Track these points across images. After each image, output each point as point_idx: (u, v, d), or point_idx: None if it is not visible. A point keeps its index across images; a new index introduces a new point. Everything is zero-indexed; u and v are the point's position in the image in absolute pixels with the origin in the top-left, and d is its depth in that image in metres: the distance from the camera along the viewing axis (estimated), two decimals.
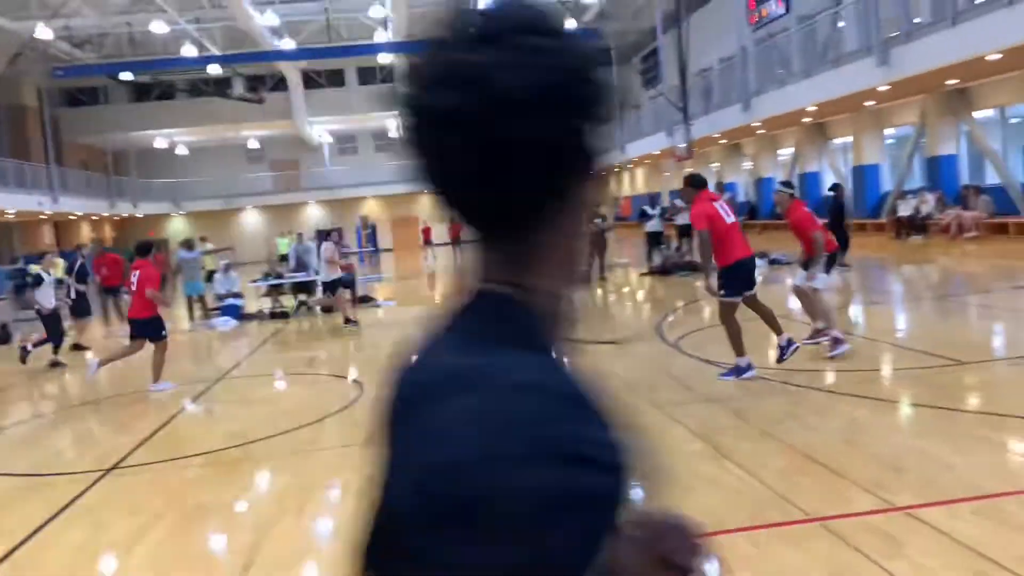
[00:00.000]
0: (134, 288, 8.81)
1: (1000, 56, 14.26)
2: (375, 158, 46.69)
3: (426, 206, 45.23)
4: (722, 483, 4.34)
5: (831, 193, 14.96)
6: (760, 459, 4.70)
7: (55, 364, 11.14)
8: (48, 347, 11.32)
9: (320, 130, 44.49)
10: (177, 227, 42.76)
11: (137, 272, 8.78)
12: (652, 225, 17.09)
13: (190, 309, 15.55)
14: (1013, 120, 18.78)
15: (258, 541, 4.18)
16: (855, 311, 10.59)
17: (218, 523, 4.59)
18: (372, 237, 44.20)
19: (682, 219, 17.68)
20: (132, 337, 8.99)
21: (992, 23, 13.34)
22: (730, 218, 6.93)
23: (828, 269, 8.11)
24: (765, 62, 22.59)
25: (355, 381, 8.59)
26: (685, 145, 24.15)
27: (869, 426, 5.22)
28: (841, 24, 19.78)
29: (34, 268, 14.01)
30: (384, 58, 38.57)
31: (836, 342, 7.33)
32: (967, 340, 7.78)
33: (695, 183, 7.27)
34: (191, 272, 15.32)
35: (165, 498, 5.23)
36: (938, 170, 20.11)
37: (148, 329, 8.83)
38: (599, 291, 15.23)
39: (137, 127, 40.49)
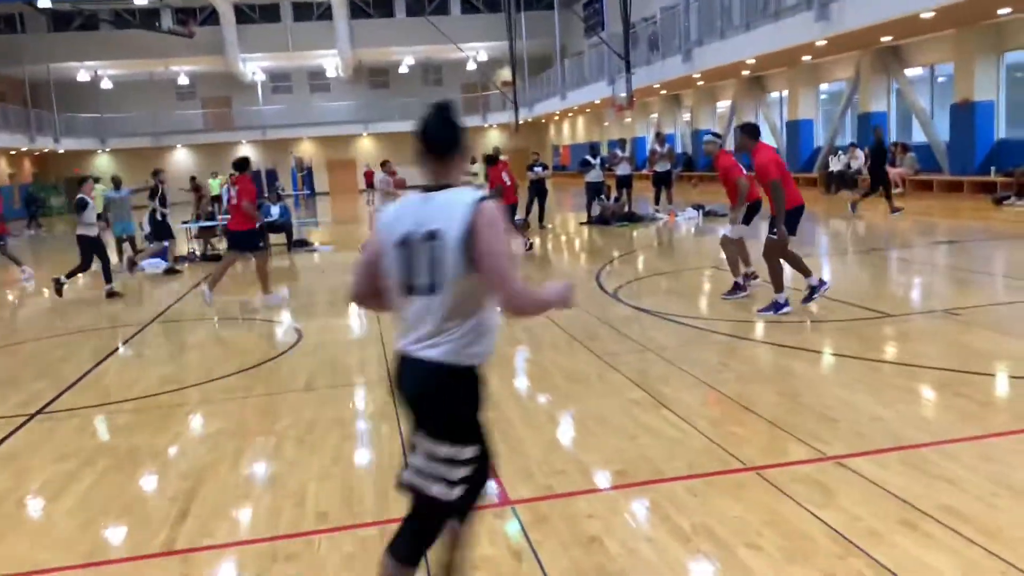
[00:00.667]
0: (233, 201, 9.36)
1: (933, 14, 14.53)
2: (311, 98, 45.39)
3: (365, 149, 44.31)
4: (661, 432, 4.43)
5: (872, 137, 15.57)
6: (697, 409, 4.80)
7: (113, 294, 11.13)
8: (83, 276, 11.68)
9: (253, 67, 42.89)
10: (103, 164, 41.00)
11: (236, 186, 9.37)
12: (593, 175, 17.09)
13: (119, 250, 15.03)
14: (941, 79, 19.27)
15: (194, 487, 4.11)
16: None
17: (152, 469, 4.49)
18: (308, 179, 43.14)
19: (622, 170, 17.73)
20: (229, 248, 9.64)
21: None
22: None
23: (748, 220, 8.21)
24: (707, 13, 22.57)
25: (292, 327, 8.45)
26: (626, 95, 24.09)
27: (801, 377, 5.38)
28: None
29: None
30: None
31: (736, 288, 8.04)
32: (891, 293, 8.06)
33: (754, 133, 7.41)
34: (120, 212, 14.76)
35: (95, 444, 5.09)
36: (869, 126, 20.56)
37: (246, 241, 9.43)
38: (538, 239, 15.24)
39: (57, 58, 38.35)
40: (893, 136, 20.32)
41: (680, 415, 4.67)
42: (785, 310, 7.15)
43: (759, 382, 5.28)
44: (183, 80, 42.58)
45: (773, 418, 4.51)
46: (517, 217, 17.26)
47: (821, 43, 17.58)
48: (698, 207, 17.27)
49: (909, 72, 19.68)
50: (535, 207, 16.96)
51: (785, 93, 24.57)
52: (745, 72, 23.93)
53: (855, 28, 15.73)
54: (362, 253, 2.54)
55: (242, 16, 41.17)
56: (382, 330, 7.83)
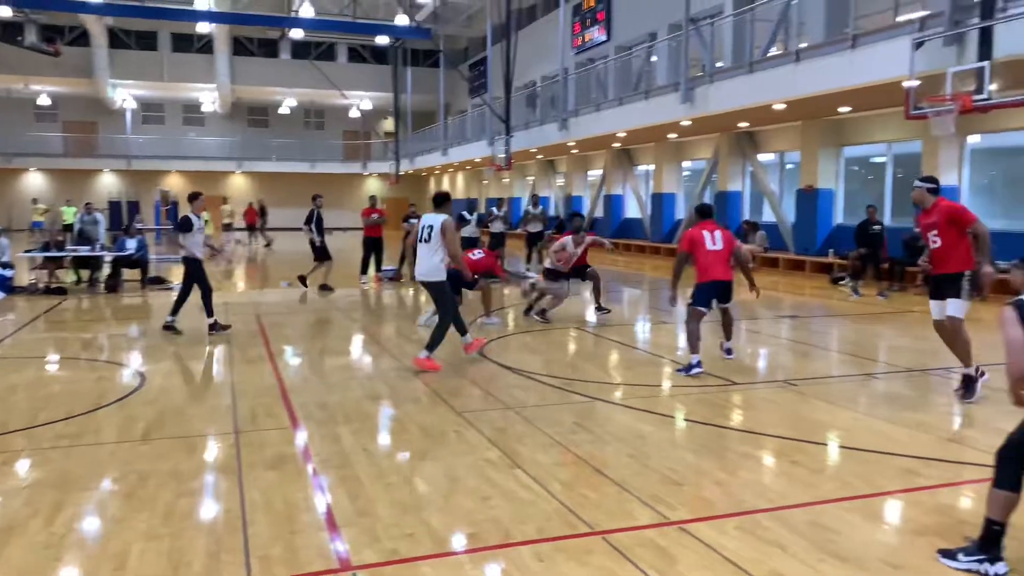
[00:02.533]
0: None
1: (784, 106, 15.81)
2: (183, 131, 43.80)
3: (238, 187, 42.91)
4: (514, 494, 4.41)
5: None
6: (551, 469, 4.82)
7: (216, 327, 10.18)
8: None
9: (124, 94, 41.05)
10: None
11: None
12: (468, 230, 17.27)
13: None
14: (789, 165, 20.86)
15: None
16: (643, 328, 11.25)
17: None
18: (172, 214, 41.27)
19: (496, 227, 18.07)
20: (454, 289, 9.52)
21: (780, 76, 14.77)
22: (715, 246, 7.76)
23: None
24: (584, 85, 23.59)
25: (136, 370, 7.96)
26: (504, 156, 24.65)
27: (651, 440, 5.52)
28: (654, 59, 21.09)
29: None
30: (203, 27, 36.30)
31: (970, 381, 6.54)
32: (737, 363, 8.44)
33: (705, 213, 8.17)
34: None
35: None
36: (725, 204, 21.88)
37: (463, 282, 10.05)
38: (411, 291, 15.15)
39: None
40: (746, 215, 21.70)
41: (533, 476, 4.68)
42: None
43: (612, 444, 5.38)
44: (44, 100, 40.20)
45: (622, 480, 4.59)
46: (388, 268, 17.13)
47: (686, 123, 18.69)
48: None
49: (762, 157, 21.20)
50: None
51: (652, 167, 25.84)
52: (616, 144, 25.04)
53: (716, 112, 16.86)
54: None
55: (116, 40, 39.53)
56: (234, 379, 7.49)
